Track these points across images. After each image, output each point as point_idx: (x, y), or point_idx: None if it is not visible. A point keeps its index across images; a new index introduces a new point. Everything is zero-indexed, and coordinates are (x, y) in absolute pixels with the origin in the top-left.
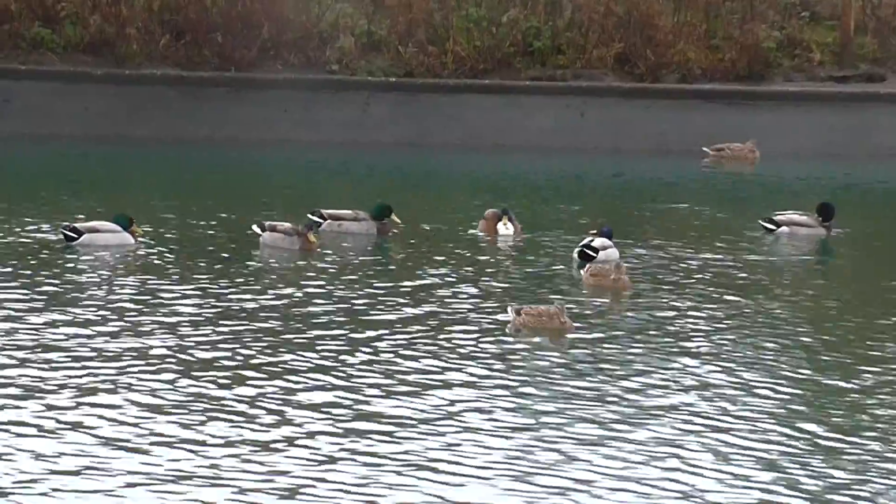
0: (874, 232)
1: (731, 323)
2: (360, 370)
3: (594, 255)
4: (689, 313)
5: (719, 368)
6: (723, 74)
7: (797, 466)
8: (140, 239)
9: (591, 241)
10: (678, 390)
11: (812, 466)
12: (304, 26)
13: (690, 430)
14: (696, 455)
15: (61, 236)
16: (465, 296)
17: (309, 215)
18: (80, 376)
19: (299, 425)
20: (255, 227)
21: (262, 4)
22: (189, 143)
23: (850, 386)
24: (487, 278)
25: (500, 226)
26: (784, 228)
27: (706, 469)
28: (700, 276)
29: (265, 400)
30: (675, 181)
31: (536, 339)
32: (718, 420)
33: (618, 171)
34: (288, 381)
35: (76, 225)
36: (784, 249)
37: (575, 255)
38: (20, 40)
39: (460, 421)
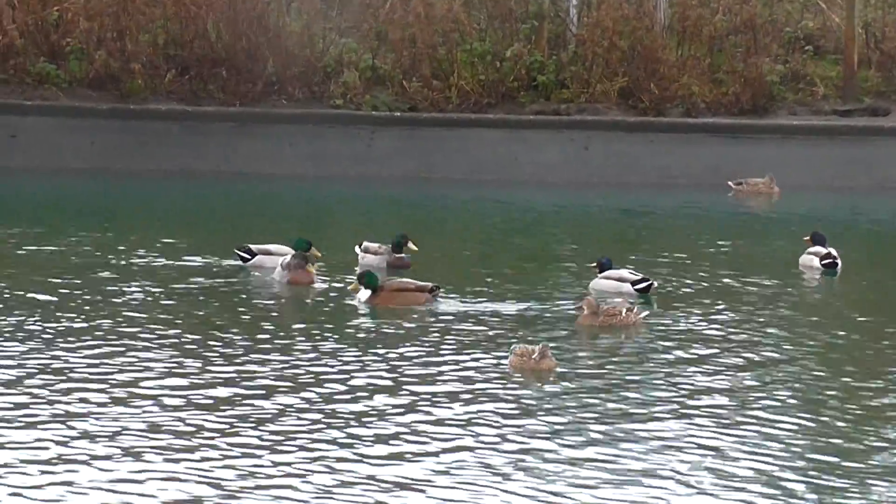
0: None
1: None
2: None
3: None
4: (697, 354)
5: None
6: (727, 108)
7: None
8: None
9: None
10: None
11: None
12: (308, 61)
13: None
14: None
15: (237, 259)
16: (468, 332)
17: (357, 248)
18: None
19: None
20: (357, 248)
21: (267, 40)
22: (195, 178)
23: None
24: (490, 315)
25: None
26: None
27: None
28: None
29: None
30: (682, 214)
31: (524, 378)
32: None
33: (626, 208)
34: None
35: (250, 246)
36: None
37: (818, 263)
38: (26, 76)
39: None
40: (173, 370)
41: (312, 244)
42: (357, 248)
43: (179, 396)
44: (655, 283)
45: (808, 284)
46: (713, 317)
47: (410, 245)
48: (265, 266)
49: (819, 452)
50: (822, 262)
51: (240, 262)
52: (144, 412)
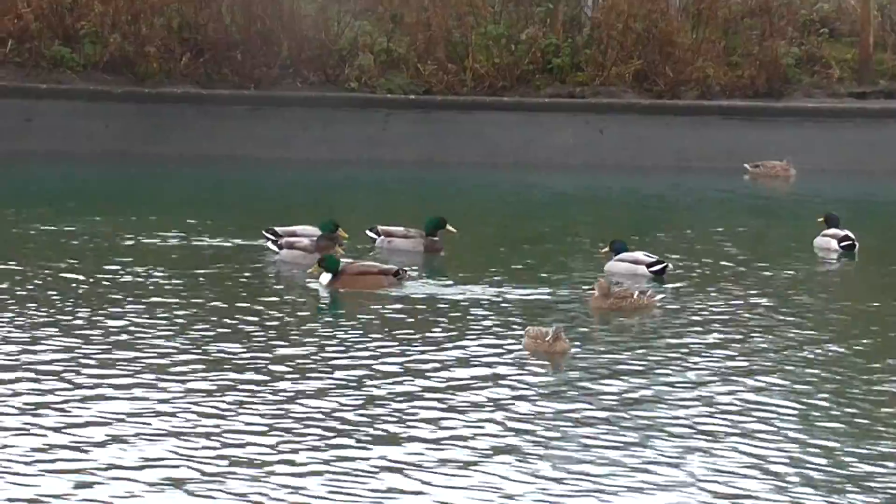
0: None
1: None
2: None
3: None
4: (708, 334)
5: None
6: (742, 91)
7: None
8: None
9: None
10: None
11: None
12: (323, 44)
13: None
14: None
15: (266, 241)
16: (482, 315)
17: (368, 231)
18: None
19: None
20: (368, 232)
21: (282, 23)
22: (209, 161)
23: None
24: (508, 301)
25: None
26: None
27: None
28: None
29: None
30: (698, 197)
31: (538, 360)
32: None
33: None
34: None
35: (276, 228)
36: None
37: (836, 245)
38: (40, 59)
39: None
40: (182, 354)
41: (339, 226)
42: (371, 233)
43: (186, 381)
44: (670, 266)
45: (825, 267)
46: (728, 300)
47: (450, 228)
48: (292, 247)
49: (832, 438)
50: (841, 244)
51: (270, 245)
52: (154, 393)
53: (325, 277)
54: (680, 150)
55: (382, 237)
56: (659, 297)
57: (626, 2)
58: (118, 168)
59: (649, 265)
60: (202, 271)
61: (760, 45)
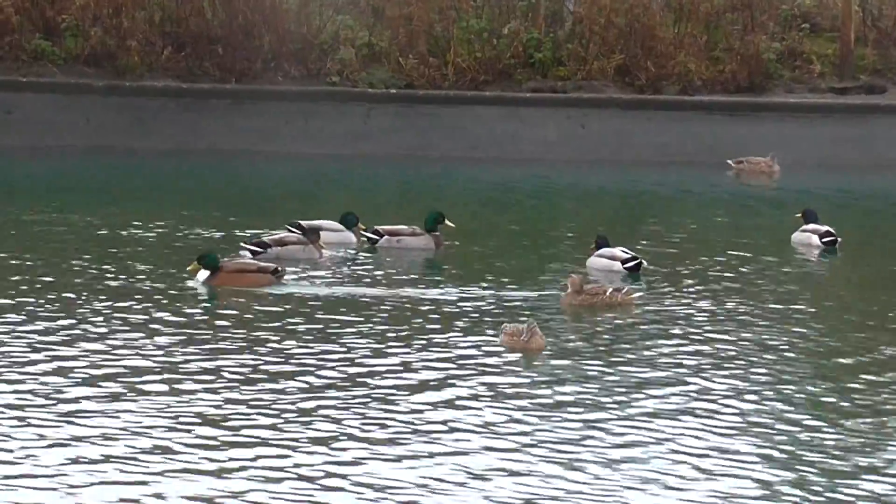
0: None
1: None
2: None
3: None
4: (683, 332)
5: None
6: (723, 86)
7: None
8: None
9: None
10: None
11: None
12: (304, 38)
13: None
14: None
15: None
16: (459, 310)
17: (365, 233)
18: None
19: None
20: (364, 232)
21: (263, 16)
22: (190, 155)
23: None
24: (487, 297)
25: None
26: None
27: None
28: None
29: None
30: (680, 193)
31: (514, 357)
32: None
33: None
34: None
35: (300, 222)
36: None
37: (817, 240)
38: (21, 52)
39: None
40: (143, 350)
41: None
42: (368, 234)
43: (156, 381)
44: (645, 263)
45: (806, 263)
46: (708, 297)
47: (448, 223)
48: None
49: (810, 434)
50: (823, 240)
51: (245, 244)
52: (120, 392)
53: (203, 274)
54: (662, 144)
55: (387, 237)
56: (637, 294)
57: None
58: (99, 161)
59: (623, 261)
60: (172, 266)
61: (742, 39)
